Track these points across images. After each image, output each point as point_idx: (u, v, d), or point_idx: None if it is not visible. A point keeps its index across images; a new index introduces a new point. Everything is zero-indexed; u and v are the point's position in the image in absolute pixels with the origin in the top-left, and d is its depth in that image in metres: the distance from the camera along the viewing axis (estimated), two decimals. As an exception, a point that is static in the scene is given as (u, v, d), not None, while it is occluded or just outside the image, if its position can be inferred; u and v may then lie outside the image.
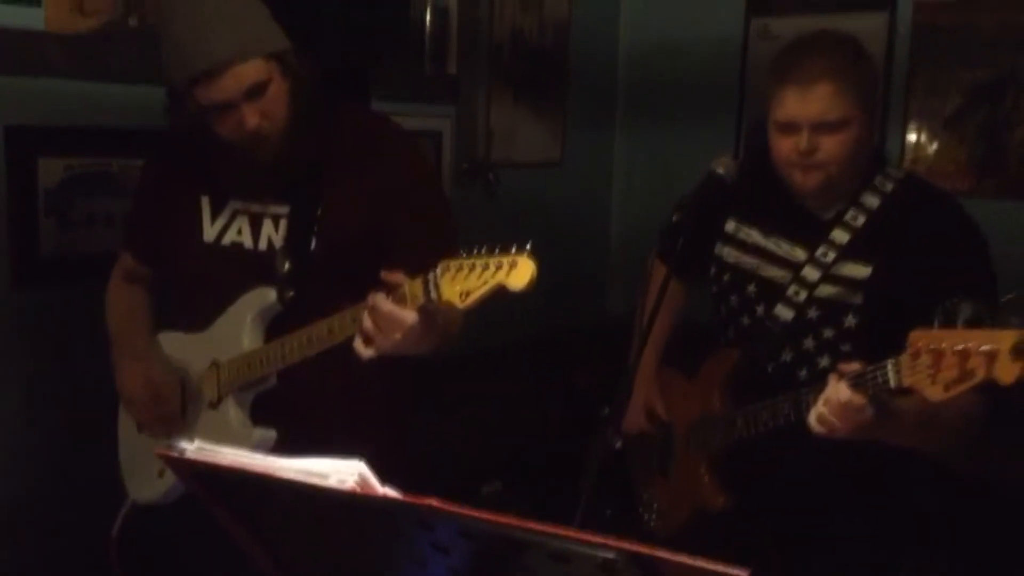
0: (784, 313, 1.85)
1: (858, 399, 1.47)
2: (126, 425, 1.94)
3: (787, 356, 1.87)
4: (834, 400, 1.50)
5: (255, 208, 1.83)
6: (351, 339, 1.57)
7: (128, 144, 2.52)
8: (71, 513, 2.40)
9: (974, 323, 1.32)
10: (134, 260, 2.01)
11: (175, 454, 1.00)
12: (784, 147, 1.75)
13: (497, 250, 1.41)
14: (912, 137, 3.55)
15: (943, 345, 1.34)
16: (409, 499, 0.88)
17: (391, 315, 1.49)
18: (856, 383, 1.48)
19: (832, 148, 1.71)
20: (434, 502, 0.86)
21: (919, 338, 1.38)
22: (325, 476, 0.93)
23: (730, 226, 1.98)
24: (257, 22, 1.68)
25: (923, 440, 1.65)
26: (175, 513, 1.81)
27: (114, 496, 1.99)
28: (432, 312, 1.51)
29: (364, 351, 1.54)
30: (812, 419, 1.55)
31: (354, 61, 3.12)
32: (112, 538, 1.91)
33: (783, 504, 1.88)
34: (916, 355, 1.38)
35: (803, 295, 1.82)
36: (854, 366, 1.50)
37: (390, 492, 0.92)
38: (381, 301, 1.50)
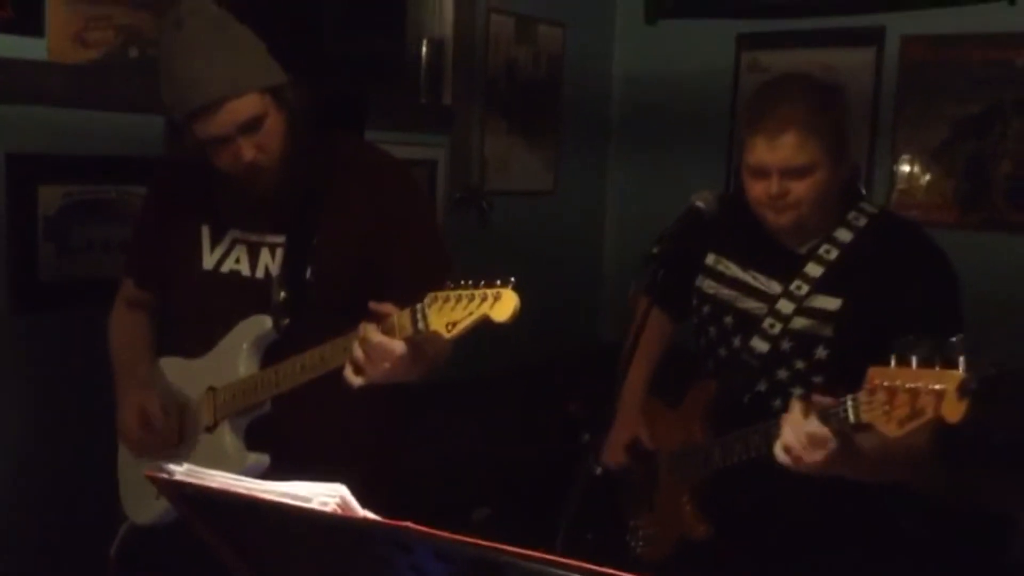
0: (760, 345, 1.89)
1: (824, 431, 1.50)
2: (125, 449, 1.97)
3: (762, 387, 1.91)
4: (801, 432, 1.53)
5: (253, 238, 1.88)
6: (343, 367, 1.61)
7: (126, 171, 2.57)
8: (70, 534, 2.43)
9: (927, 362, 1.35)
10: (136, 287, 2.05)
11: (164, 476, 1.03)
12: (756, 189, 1.82)
13: (483, 282, 1.46)
14: (900, 169, 3.60)
15: (896, 383, 1.36)
16: (386, 521, 0.92)
17: (380, 346, 1.54)
18: (824, 416, 1.51)
19: (801, 191, 1.77)
20: (410, 524, 0.90)
21: (876, 375, 1.41)
22: (308, 499, 0.97)
23: (710, 259, 2.03)
24: (252, 57, 1.73)
25: (884, 474, 1.68)
26: (172, 534, 1.84)
27: (112, 517, 2.02)
28: (420, 342, 1.56)
29: (354, 380, 1.60)
30: (777, 449, 1.58)
31: (352, 91, 3.18)
32: (110, 558, 1.94)
33: (764, 534, 1.91)
34: (873, 391, 1.40)
35: (778, 327, 1.87)
36: (825, 400, 1.53)
37: (369, 515, 0.95)
38: (371, 332, 1.55)
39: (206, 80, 1.66)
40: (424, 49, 3.54)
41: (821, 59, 3.71)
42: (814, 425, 1.51)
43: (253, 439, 1.83)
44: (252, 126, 1.71)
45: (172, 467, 1.05)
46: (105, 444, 2.06)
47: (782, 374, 1.89)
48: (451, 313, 1.46)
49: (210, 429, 1.83)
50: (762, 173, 1.79)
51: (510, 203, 3.77)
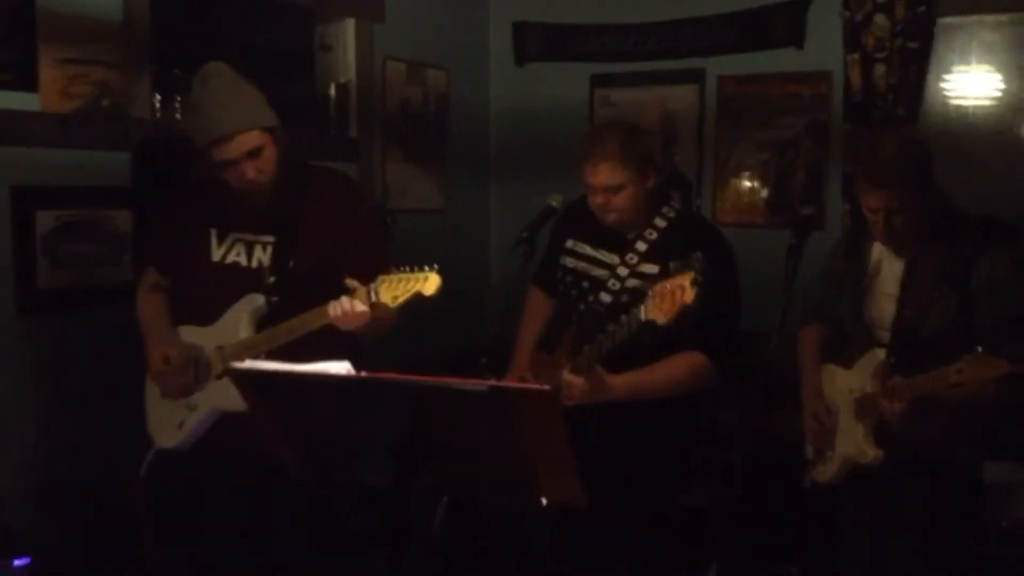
0: (605, 298, 2.67)
1: (573, 378, 2.37)
2: (152, 390, 2.58)
3: (611, 328, 2.67)
4: (566, 382, 2.40)
5: (249, 237, 2.52)
6: (314, 330, 2.30)
7: (103, 198, 3.18)
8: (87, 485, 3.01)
9: (680, 271, 2.18)
10: (159, 274, 2.65)
11: (234, 368, 1.73)
12: (590, 200, 2.62)
13: (416, 268, 2.19)
14: (721, 182, 4.48)
15: (665, 286, 2.19)
16: (376, 373, 1.64)
17: (351, 308, 2.25)
18: (573, 368, 2.37)
19: (618, 202, 2.58)
20: (395, 373, 1.62)
21: (656, 286, 2.23)
22: (326, 370, 1.68)
23: (569, 243, 2.81)
24: (257, 105, 2.41)
25: (637, 397, 2.49)
26: (190, 456, 2.48)
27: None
28: (375, 309, 2.26)
29: (341, 327, 2.29)
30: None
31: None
32: (140, 479, 2.55)
33: (600, 439, 2.64)
34: (654, 296, 2.22)
35: (617, 285, 2.66)
36: (584, 353, 2.37)
37: (364, 373, 1.67)
38: (345, 301, 2.25)
39: (224, 119, 2.33)
40: (332, 91, 4.23)
41: (656, 94, 4.58)
42: (568, 377, 2.39)
43: None
44: (254, 153, 2.37)
45: (237, 364, 1.74)
46: (96, 418, 2.75)
47: (623, 318, 2.65)
48: (395, 289, 2.19)
49: (219, 377, 2.45)
50: (592, 189, 2.58)
51: (408, 219, 4.41)
